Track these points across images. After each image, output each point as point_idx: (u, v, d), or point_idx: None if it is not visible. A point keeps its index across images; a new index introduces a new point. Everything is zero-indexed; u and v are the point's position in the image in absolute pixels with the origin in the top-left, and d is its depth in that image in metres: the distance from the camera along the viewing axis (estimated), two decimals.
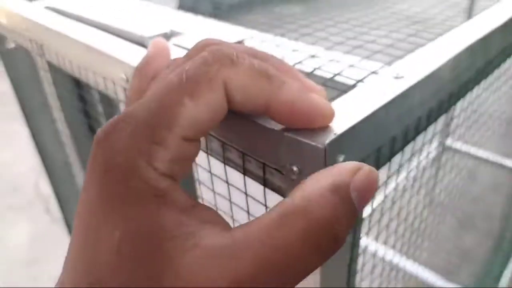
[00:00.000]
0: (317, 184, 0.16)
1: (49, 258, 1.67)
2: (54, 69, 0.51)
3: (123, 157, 0.17)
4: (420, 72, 0.23)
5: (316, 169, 0.17)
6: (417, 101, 0.24)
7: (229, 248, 0.15)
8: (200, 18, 0.42)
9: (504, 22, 0.30)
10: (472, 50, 0.26)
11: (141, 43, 0.37)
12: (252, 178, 0.25)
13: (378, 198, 1.48)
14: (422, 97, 0.24)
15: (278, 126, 0.20)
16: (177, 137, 0.17)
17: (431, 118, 0.26)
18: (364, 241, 1.33)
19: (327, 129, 0.19)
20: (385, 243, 1.44)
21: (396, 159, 0.31)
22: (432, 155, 1.71)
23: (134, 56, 0.34)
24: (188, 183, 0.40)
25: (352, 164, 0.17)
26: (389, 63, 0.26)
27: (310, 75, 0.28)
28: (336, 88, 0.24)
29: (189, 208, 0.17)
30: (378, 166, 0.23)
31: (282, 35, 0.35)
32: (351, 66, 0.27)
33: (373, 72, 0.24)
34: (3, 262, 1.71)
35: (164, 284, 0.15)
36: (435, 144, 1.76)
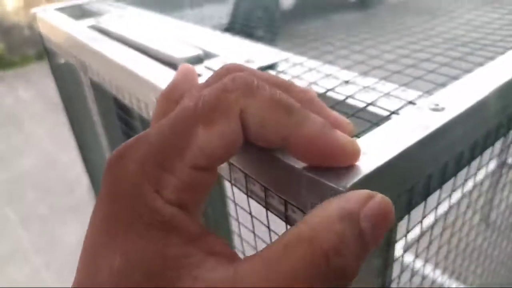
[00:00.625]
0: (325, 212, 0.15)
1: None
2: (96, 86, 0.53)
3: (130, 183, 0.16)
4: (462, 103, 0.21)
5: None
6: (459, 136, 0.21)
7: (231, 282, 0.15)
8: (236, 39, 0.41)
9: None
10: None
11: (174, 64, 0.37)
12: (274, 214, 0.24)
13: (428, 220, 1.41)
14: (465, 131, 0.22)
15: (299, 164, 0.19)
16: (187, 165, 0.17)
17: (475, 152, 0.24)
18: (407, 258, 1.26)
19: (352, 169, 0.17)
20: (432, 262, 1.37)
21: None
22: (487, 172, 1.61)
23: (165, 79, 0.34)
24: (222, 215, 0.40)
25: (363, 193, 0.15)
26: (429, 92, 0.24)
27: (341, 104, 0.26)
28: (369, 120, 0.22)
29: (196, 237, 0.16)
30: (410, 206, 0.21)
31: (316, 56, 0.34)
32: (387, 94, 0.25)
33: (410, 102, 0.22)
34: (60, 262, 1.79)
35: None
36: (492, 164, 1.66)
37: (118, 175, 0.17)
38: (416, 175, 0.20)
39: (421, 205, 0.25)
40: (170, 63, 0.37)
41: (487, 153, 0.29)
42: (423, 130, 0.19)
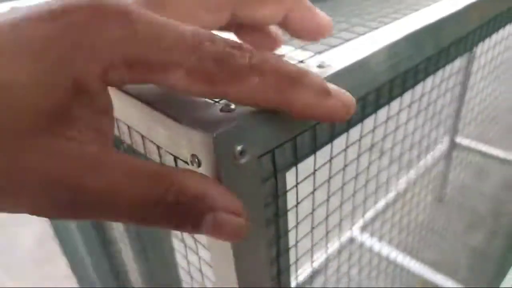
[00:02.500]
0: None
1: None
2: None
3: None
4: (346, 60, 0.23)
5: (210, 160, 0.17)
6: None
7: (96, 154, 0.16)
8: None
9: (458, 10, 0.29)
10: (411, 39, 0.26)
11: None
12: None
13: (384, 196, 1.46)
14: (350, 87, 0.23)
15: (178, 113, 0.18)
16: (141, 79, 0.17)
17: (365, 110, 0.26)
18: (365, 238, 1.32)
19: (227, 117, 0.18)
20: (390, 242, 1.43)
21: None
22: (439, 153, 1.68)
23: None
24: None
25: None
26: (321, 52, 0.25)
27: None
28: None
29: (101, 113, 0.17)
30: (296, 158, 0.22)
31: None
32: (281, 56, 0.26)
33: (300, 62, 0.23)
34: (16, 263, 1.75)
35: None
36: (445, 141, 1.74)
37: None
38: (296, 128, 0.21)
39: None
40: None
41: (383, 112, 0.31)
42: None
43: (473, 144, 1.82)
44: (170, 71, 0.16)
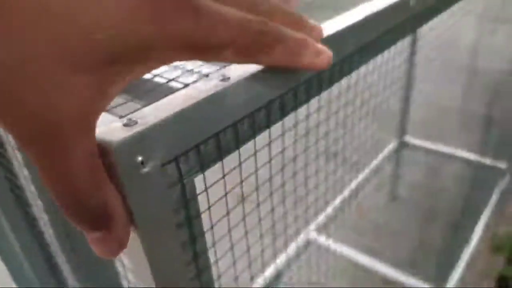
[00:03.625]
0: None
1: None
2: None
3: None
4: (246, 74, 0.24)
5: (111, 169, 0.19)
6: (241, 102, 0.24)
7: None
8: None
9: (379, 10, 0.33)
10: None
11: None
12: None
13: (338, 196, 1.50)
14: (247, 98, 0.24)
15: None
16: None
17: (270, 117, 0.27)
18: (320, 238, 1.34)
19: (127, 130, 0.19)
20: (347, 242, 1.47)
21: None
22: (388, 153, 1.75)
23: None
24: None
25: None
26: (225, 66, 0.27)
27: (147, 81, 0.27)
28: (164, 93, 0.24)
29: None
30: (202, 165, 0.24)
31: None
32: (189, 71, 0.27)
33: (205, 76, 0.25)
34: None
35: None
36: (393, 141, 1.81)
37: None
38: (198, 137, 0.22)
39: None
40: None
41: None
42: (201, 95, 0.22)
43: (421, 142, 1.90)
44: (223, 50, 0.20)
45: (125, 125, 0.20)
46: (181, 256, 0.23)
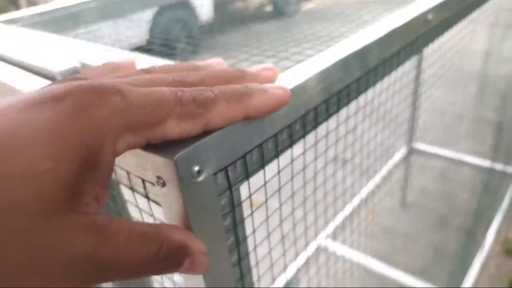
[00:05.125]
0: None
1: None
2: None
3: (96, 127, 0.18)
4: (287, 84, 0.26)
5: (173, 180, 0.21)
6: (282, 114, 0.26)
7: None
8: (117, 51, 0.43)
9: (380, 37, 0.34)
10: (339, 64, 0.30)
11: (51, 78, 0.38)
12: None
13: (348, 204, 1.51)
14: (286, 111, 0.26)
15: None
16: (146, 139, 0.20)
17: (306, 127, 0.29)
18: (333, 246, 1.35)
19: (183, 144, 0.21)
20: (358, 248, 1.48)
21: None
22: (398, 160, 1.76)
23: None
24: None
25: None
26: None
27: None
28: None
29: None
30: (247, 173, 0.26)
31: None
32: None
33: None
34: None
35: None
36: (402, 148, 1.82)
37: (86, 111, 0.18)
38: (244, 148, 0.24)
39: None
40: (47, 76, 0.39)
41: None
42: None
43: (431, 148, 1.91)
44: (165, 123, 0.20)
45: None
46: (228, 259, 0.25)
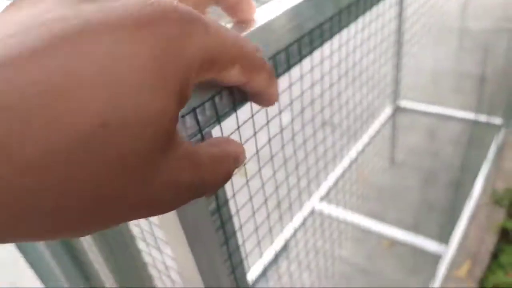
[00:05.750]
0: None
1: None
2: None
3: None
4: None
5: None
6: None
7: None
8: None
9: None
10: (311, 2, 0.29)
11: None
12: None
13: (339, 164, 1.52)
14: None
15: None
16: (210, 79, 0.19)
17: (277, 70, 0.29)
18: (326, 207, 1.37)
19: None
20: (351, 208, 1.50)
21: None
22: (385, 119, 1.77)
23: None
24: None
25: None
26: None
27: None
28: None
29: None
30: (218, 115, 0.25)
31: None
32: None
33: None
34: None
35: None
36: (388, 107, 1.82)
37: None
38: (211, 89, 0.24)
39: None
40: None
41: None
42: None
43: (416, 105, 1.92)
44: (233, 67, 0.19)
45: None
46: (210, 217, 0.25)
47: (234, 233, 0.30)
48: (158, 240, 0.39)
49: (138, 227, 0.48)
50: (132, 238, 0.62)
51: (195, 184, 0.18)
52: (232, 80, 0.20)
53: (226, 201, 0.27)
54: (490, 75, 1.78)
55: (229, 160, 0.20)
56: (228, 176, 0.20)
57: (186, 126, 0.23)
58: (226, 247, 0.29)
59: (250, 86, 0.22)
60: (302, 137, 0.65)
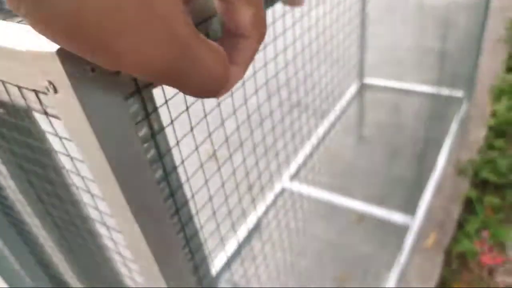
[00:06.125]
0: None
1: None
2: None
3: None
4: None
5: (64, 82, 0.18)
6: None
7: None
8: None
9: None
10: None
11: None
12: None
13: (308, 142, 1.52)
14: None
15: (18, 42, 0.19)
16: None
17: None
18: (296, 186, 1.37)
19: None
20: (321, 185, 1.51)
21: None
22: (351, 96, 1.78)
23: None
24: None
25: None
26: None
27: None
28: None
29: None
30: None
31: None
32: None
33: None
34: None
35: None
36: (354, 84, 1.83)
37: None
38: None
39: None
40: None
41: None
42: None
43: (380, 82, 1.94)
44: None
45: None
46: (158, 192, 0.23)
47: (190, 217, 0.28)
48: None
49: (97, 210, 0.46)
50: (92, 235, 0.59)
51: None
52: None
53: (174, 168, 0.25)
54: (451, 49, 1.80)
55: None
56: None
57: (120, 83, 0.21)
58: (184, 234, 0.28)
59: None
60: (270, 120, 0.64)
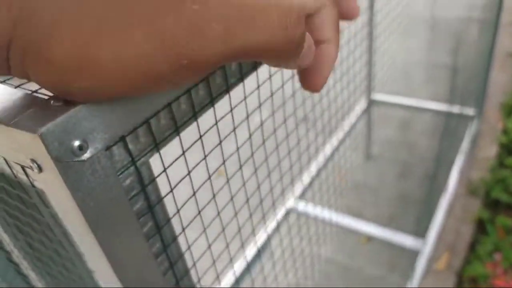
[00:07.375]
0: None
1: None
2: None
3: None
4: None
5: (49, 162, 0.16)
6: None
7: None
8: None
9: None
10: None
11: None
12: None
13: (314, 163, 1.49)
14: None
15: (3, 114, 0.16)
16: None
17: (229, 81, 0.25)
18: (300, 206, 1.33)
19: (56, 111, 0.16)
20: (328, 206, 1.48)
21: None
22: (359, 113, 1.75)
23: None
24: None
25: None
26: None
27: None
28: None
29: None
30: (156, 142, 0.21)
31: None
32: None
33: None
34: None
35: None
36: (362, 100, 1.80)
37: None
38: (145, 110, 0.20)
39: None
40: None
41: None
42: None
43: (389, 98, 1.91)
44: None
45: (52, 103, 0.17)
46: (147, 250, 0.21)
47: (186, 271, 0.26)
48: None
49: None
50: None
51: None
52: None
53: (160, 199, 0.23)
54: (462, 65, 1.78)
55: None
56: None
57: (114, 159, 0.18)
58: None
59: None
60: (274, 139, 0.62)
